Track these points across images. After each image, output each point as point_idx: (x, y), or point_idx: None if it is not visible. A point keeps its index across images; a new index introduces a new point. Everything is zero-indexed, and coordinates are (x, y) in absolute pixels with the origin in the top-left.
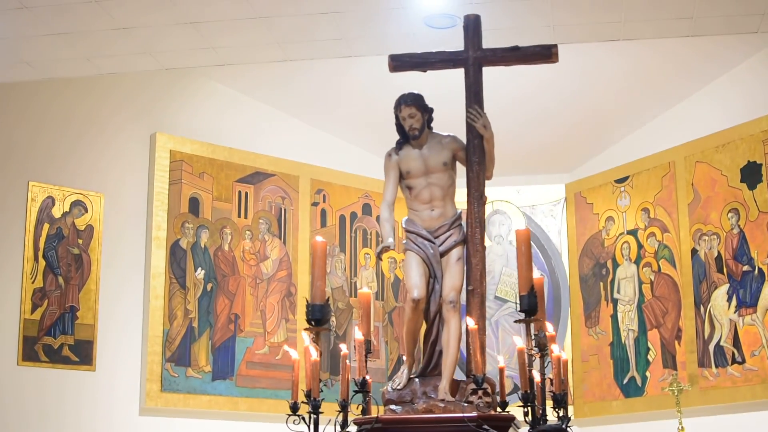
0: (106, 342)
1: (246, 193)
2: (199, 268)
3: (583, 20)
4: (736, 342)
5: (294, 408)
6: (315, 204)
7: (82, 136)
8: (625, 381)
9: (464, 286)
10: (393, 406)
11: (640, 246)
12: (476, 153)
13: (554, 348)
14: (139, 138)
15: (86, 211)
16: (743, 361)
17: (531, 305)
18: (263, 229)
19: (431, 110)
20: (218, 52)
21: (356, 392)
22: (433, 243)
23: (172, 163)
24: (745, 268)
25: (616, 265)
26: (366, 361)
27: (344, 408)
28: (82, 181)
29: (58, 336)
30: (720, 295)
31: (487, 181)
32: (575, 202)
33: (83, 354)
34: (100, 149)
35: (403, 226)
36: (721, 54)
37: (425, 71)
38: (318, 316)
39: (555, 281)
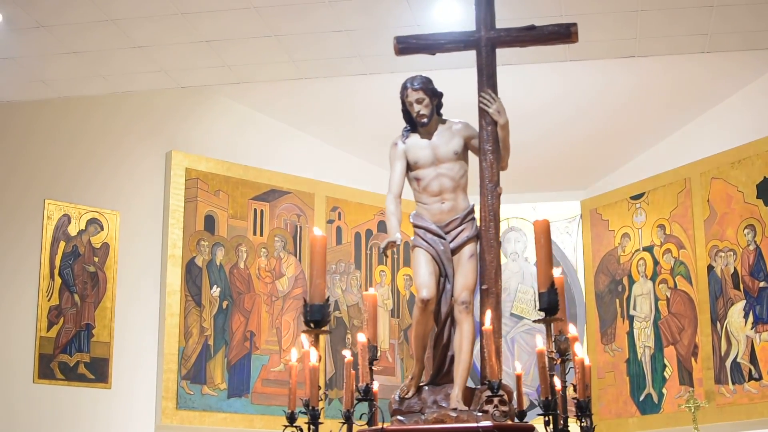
0: (122, 359)
1: (261, 211)
2: (215, 286)
3: (599, 37)
4: (752, 358)
5: (291, 418)
6: (330, 221)
7: (98, 155)
8: (641, 398)
9: (478, 285)
10: (400, 417)
11: (656, 262)
12: (490, 141)
13: (577, 350)
14: (155, 156)
15: (102, 229)
16: (760, 378)
17: (551, 303)
18: (279, 246)
19: (441, 95)
20: (233, 70)
21: (359, 400)
22: (444, 239)
23: (188, 181)
24: (762, 284)
25: (632, 281)
26: (371, 368)
27: (348, 419)
28: (98, 199)
29: (74, 354)
30: (736, 311)
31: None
32: (591, 218)
33: (99, 371)
34: (115, 167)
35: (411, 220)
36: (735, 71)
37: (434, 54)
38: (317, 317)
39: (571, 298)
